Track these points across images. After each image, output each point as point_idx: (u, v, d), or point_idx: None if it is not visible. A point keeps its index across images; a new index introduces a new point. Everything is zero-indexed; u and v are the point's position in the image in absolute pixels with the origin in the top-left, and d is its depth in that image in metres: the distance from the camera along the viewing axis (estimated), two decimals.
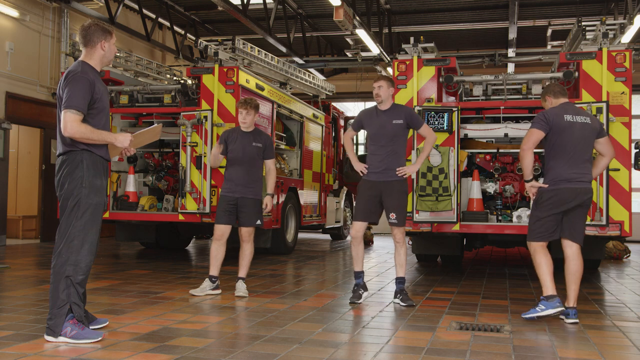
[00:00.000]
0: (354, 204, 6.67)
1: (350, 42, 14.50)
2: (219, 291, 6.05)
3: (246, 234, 6.09)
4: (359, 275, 5.81)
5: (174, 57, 15.44)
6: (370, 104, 9.90)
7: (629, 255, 10.79)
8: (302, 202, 10.80)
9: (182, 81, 9.03)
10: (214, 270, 6.04)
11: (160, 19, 14.12)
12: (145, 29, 13.32)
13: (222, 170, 7.02)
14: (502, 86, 7.61)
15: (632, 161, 7.54)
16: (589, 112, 5.66)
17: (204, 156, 8.03)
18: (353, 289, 5.83)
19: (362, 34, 11.69)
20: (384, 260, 9.67)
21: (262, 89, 9.01)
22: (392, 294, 5.90)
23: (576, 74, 7.14)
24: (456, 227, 7.21)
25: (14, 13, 11.32)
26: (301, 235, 14.04)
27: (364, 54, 14.48)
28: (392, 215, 5.63)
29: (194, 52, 16.09)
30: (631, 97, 6.97)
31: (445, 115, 7.20)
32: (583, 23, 8.02)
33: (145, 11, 13.47)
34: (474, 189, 7.52)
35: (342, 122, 13.81)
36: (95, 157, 4.07)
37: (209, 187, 8.01)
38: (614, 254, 10.52)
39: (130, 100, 8.78)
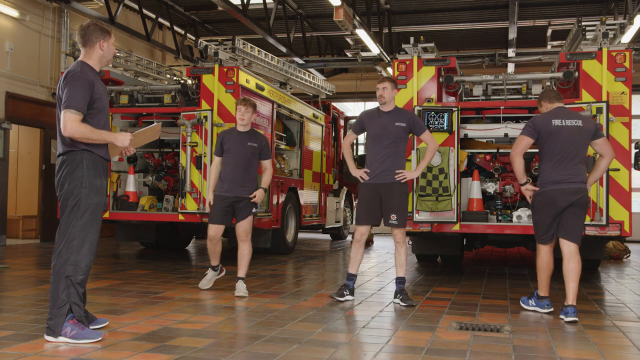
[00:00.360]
0: (355, 208, 6.69)
1: (350, 42, 14.50)
2: (223, 273, 6.37)
3: (243, 233, 6.11)
4: (352, 277, 5.81)
5: (174, 57, 15.44)
6: (370, 104, 9.90)
7: (629, 255, 10.79)
8: (302, 202, 10.80)
9: (182, 81, 9.04)
10: (214, 261, 6.33)
11: (160, 19, 14.13)
12: (145, 29, 13.33)
13: None
14: (502, 86, 7.61)
15: (632, 161, 7.54)
16: (584, 115, 5.64)
17: (204, 156, 8.03)
18: (340, 286, 5.85)
19: (362, 34, 11.69)
20: (384, 260, 9.67)
21: (262, 89, 9.01)
22: (392, 294, 5.90)
23: (576, 74, 7.14)
24: (456, 227, 7.21)
25: (14, 13, 11.32)
26: (301, 235, 14.04)
27: (364, 54, 14.48)
28: (393, 217, 5.63)
29: (194, 52, 16.10)
30: (631, 97, 6.97)
31: (445, 115, 7.20)
32: (583, 23, 8.02)
33: (145, 11, 13.48)
34: (474, 189, 7.52)
35: (342, 122, 13.81)
36: (95, 157, 4.07)
37: (209, 187, 8.01)
38: (614, 254, 10.52)
39: (130, 100, 8.78)
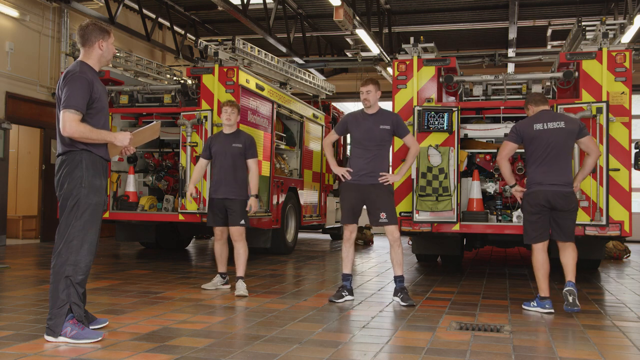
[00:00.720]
0: (340, 207, 6.77)
1: (350, 42, 14.50)
2: (228, 286, 6.33)
3: (236, 233, 6.20)
4: (347, 277, 5.83)
5: (174, 57, 15.44)
6: None
7: (629, 255, 10.79)
8: (302, 202, 10.80)
9: (182, 81, 9.03)
10: (222, 267, 6.37)
11: (160, 19, 14.12)
12: (145, 29, 13.32)
13: None
14: (502, 86, 7.61)
15: (632, 161, 7.55)
16: (567, 116, 5.76)
17: None
18: (338, 289, 5.86)
19: (362, 34, 11.69)
20: (384, 260, 9.67)
21: (262, 89, 9.01)
22: (392, 294, 5.89)
23: (576, 74, 7.14)
24: (456, 227, 7.21)
25: (14, 13, 11.32)
26: (301, 235, 14.04)
27: (364, 54, 14.48)
28: (383, 215, 5.65)
29: (194, 52, 16.10)
30: (631, 97, 6.96)
31: (445, 115, 7.20)
32: (583, 23, 8.02)
33: (145, 11, 13.47)
34: (474, 189, 7.51)
35: None
36: (95, 157, 4.07)
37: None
38: (614, 254, 10.52)
39: (130, 100, 8.78)
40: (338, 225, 13.35)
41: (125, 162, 9.07)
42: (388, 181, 5.70)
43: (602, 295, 6.57)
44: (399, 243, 5.73)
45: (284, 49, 13.41)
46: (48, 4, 11.96)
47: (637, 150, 8.33)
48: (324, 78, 15.49)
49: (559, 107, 6.99)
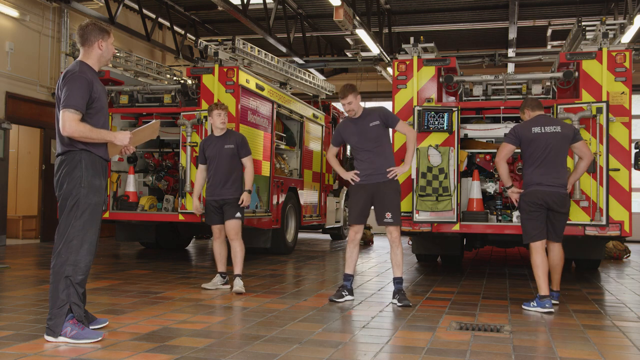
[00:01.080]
0: (348, 208, 6.78)
1: (350, 42, 14.50)
2: (228, 286, 6.34)
3: (232, 232, 6.26)
4: (348, 277, 5.83)
5: (174, 57, 15.44)
6: (370, 104, 9.92)
7: (629, 255, 10.79)
8: (302, 202, 10.80)
9: (182, 81, 9.03)
10: (221, 267, 6.41)
11: (160, 19, 14.12)
12: (145, 29, 13.32)
13: None
14: (502, 86, 7.60)
15: (632, 161, 7.55)
16: (563, 121, 5.88)
17: None
18: (338, 288, 5.86)
19: (362, 34, 11.69)
20: (384, 260, 9.67)
21: (262, 89, 9.01)
22: (392, 295, 5.89)
23: (576, 74, 7.14)
24: (456, 227, 7.21)
25: (14, 13, 11.32)
26: (301, 235, 14.04)
27: (364, 54, 14.47)
28: (388, 215, 5.64)
29: (194, 52, 16.09)
30: (631, 97, 6.96)
31: (445, 115, 7.20)
32: (583, 23, 8.01)
33: (145, 11, 13.47)
34: (474, 189, 7.51)
35: None
36: (94, 157, 4.07)
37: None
38: (614, 254, 10.52)
39: (130, 100, 8.78)
40: (338, 225, 13.35)
41: (125, 162, 9.07)
42: (397, 175, 5.70)
43: (602, 295, 6.57)
44: (398, 243, 5.73)
45: (284, 49, 13.41)
46: (48, 4, 11.96)
47: (637, 150, 8.33)
48: (324, 78, 15.49)
49: (559, 107, 6.99)
